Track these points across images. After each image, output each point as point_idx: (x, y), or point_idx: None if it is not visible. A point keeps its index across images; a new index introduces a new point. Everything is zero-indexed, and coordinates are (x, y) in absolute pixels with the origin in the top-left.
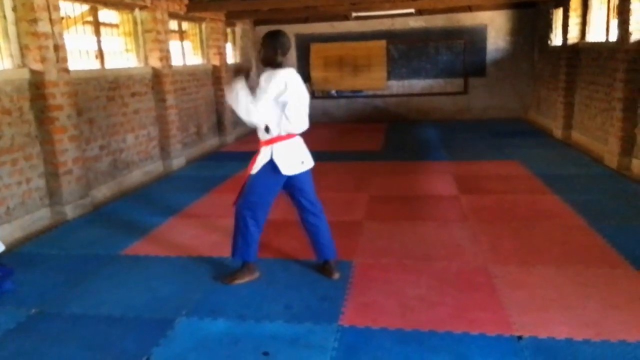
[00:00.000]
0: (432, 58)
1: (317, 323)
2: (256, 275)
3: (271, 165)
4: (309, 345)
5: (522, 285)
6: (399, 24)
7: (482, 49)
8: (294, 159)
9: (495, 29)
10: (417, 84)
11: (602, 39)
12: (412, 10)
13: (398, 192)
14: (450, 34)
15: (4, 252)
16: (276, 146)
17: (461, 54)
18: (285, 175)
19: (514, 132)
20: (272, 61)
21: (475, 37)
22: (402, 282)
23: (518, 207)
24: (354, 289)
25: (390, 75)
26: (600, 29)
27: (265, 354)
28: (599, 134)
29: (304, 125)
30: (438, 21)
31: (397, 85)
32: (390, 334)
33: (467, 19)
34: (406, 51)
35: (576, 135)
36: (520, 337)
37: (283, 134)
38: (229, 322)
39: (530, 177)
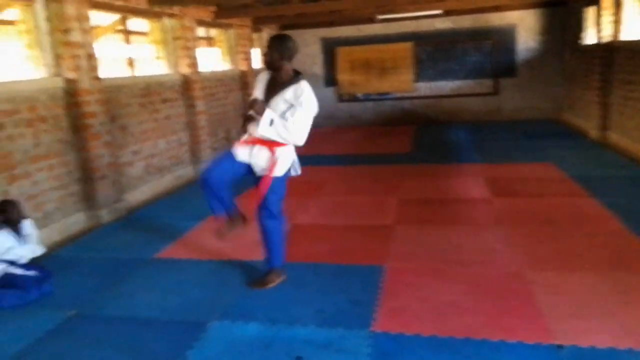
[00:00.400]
0: (460, 59)
1: (349, 328)
2: (284, 276)
3: (291, 165)
4: (341, 351)
5: (561, 291)
6: (425, 26)
7: (512, 49)
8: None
9: (525, 28)
10: (446, 86)
11: (638, 37)
12: (439, 12)
13: (428, 195)
14: (479, 35)
15: (42, 255)
16: (292, 147)
17: (490, 54)
18: None
19: (547, 133)
20: (278, 66)
21: (504, 37)
22: (435, 287)
23: (554, 211)
24: (386, 294)
25: (418, 77)
26: (634, 27)
27: (299, 358)
28: (637, 135)
29: None
30: (465, 22)
31: (425, 87)
32: (424, 340)
33: (496, 19)
34: (433, 53)
35: (613, 136)
36: (560, 346)
37: None
38: (260, 326)
39: (565, 179)
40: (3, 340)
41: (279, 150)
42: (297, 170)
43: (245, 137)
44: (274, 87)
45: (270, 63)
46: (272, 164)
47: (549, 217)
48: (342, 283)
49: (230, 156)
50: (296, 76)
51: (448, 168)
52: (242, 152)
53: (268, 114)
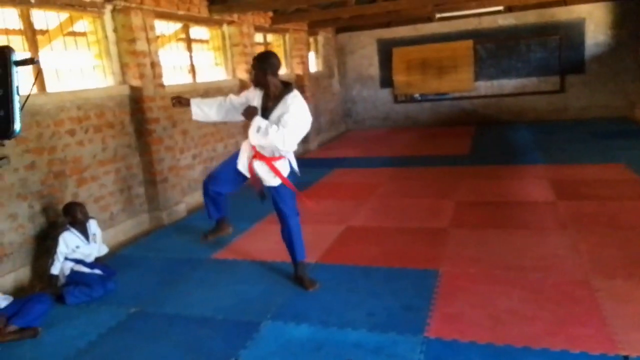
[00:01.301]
0: (523, 56)
1: (401, 333)
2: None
3: (292, 173)
4: (393, 356)
5: (629, 300)
6: (486, 23)
7: (580, 44)
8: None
9: (595, 22)
10: (508, 84)
11: None
12: (500, 8)
13: (487, 198)
14: (544, 30)
15: (107, 254)
16: (290, 157)
17: (556, 50)
18: None
19: (618, 132)
20: (264, 83)
21: (571, 32)
22: (493, 293)
23: (624, 215)
24: (440, 299)
25: (478, 76)
26: None
27: None
28: None
29: None
30: (530, 17)
31: (485, 86)
32: (480, 348)
33: (562, 14)
34: (495, 50)
35: None
36: (626, 357)
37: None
38: (312, 328)
39: (636, 181)
40: (69, 335)
41: (277, 164)
42: (297, 173)
43: (246, 148)
44: (267, 104)
45: (257, 81)
46: (275, 174)
47: (617, 221)
48: (395, 287)
49: (231, 165)
50: (285, 88)
51: (509, 170)
52: (242, 164)
53: (256, 120)
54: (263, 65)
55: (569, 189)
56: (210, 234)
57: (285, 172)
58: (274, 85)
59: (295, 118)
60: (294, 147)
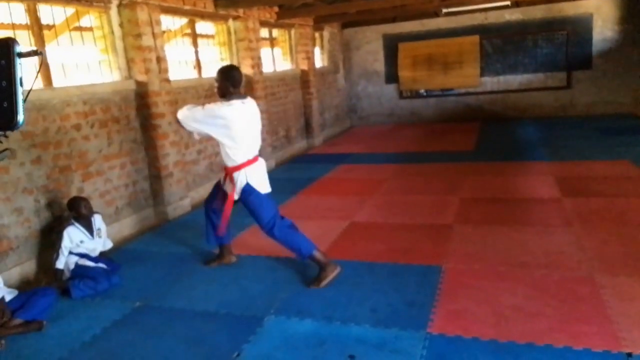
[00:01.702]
0: (530, 52)
1: (404, 329)
2: (338, 269)
3: (250, 189)
4: (396, 351)
5: (633, 297)
6: (492, 18)
7: (588, 39)
8: (264, 178)
9: (602, 17)
10: (514, 80)
11: None
12: (507, 3)
13: (492, 194)
14: (551, 25)
15: (112, 249)
16: (249, 172)
17: (563, 45)
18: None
19: (624, 128)
20: (225, 93)
21: (579, 28)
22: (497, 290)
23: (630, 212)
24: (444, 295)
25: (484, 72)
26: None
27: (352, 357)
28: None
29: (254, 150)
30: (537, 12)
31: (491, 82)
32: (483, 344)
33: (570, 9)
34: (501, 46)
35: None
36: (629, 354)
37: (243, 160)
38: (315, 323)
39: None
40: (74, 329)
41: (234, 174)
42: (261, 189)
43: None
44: None
45: (219, 91)
46: (231, 185)
47: (624, 218)
48: (398, 283)
49: (218, 186)
50: (239, 97)
51: (515, 166)
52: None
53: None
54: (226, 77)
55: (575, 185)
56: (211, 261)
57: (239, 185)
58: (235, 96)
59: (212, 107)
60: (185, 125)
